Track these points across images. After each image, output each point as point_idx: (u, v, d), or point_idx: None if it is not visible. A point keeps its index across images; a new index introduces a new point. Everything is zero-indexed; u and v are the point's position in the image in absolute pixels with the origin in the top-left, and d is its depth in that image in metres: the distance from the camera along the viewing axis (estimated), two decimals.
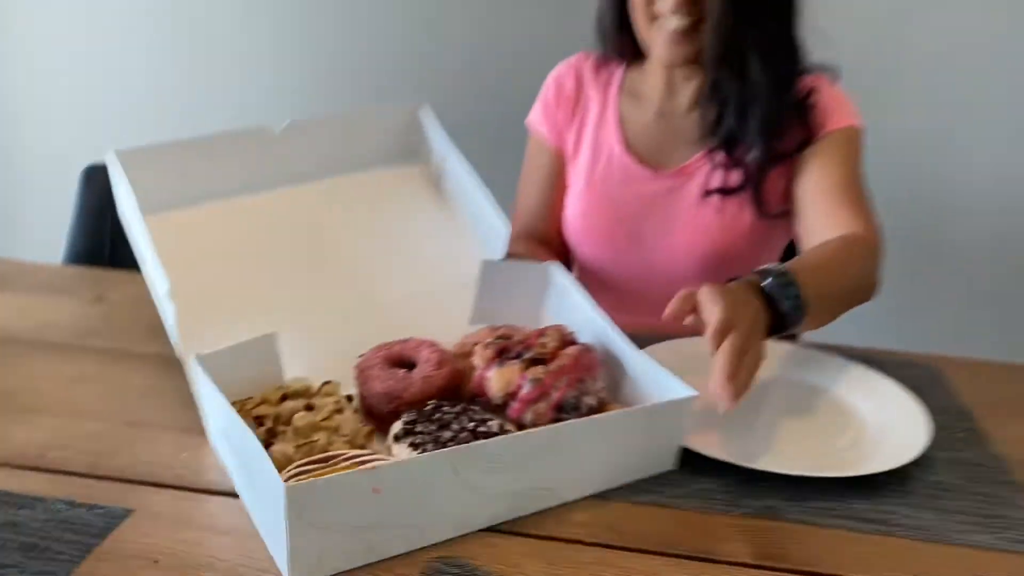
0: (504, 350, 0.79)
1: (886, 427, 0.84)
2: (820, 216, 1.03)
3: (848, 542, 0.70)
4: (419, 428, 0.71)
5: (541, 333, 0.82)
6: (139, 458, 0.76)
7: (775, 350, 0.87)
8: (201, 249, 0.86)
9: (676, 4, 1.01)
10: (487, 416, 0.74)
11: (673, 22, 1.02)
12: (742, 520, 0.72)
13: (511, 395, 0.77)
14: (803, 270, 0.84)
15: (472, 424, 0.72)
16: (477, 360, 0.80)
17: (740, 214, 1.09)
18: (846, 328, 0.99)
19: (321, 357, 0.81)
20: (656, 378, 0.79)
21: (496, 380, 0.77)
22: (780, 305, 0.80)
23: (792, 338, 0.87)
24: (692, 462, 0.78)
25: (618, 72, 1.18)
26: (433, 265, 0.97)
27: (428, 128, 1.02)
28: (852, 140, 1.07)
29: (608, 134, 1.16)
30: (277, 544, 0.61)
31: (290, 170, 0.96)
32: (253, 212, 0.92)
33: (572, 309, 0.90)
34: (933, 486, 0.78)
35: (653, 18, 1.05)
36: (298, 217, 0.94)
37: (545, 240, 1.21)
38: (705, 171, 1.11)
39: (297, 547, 0.60)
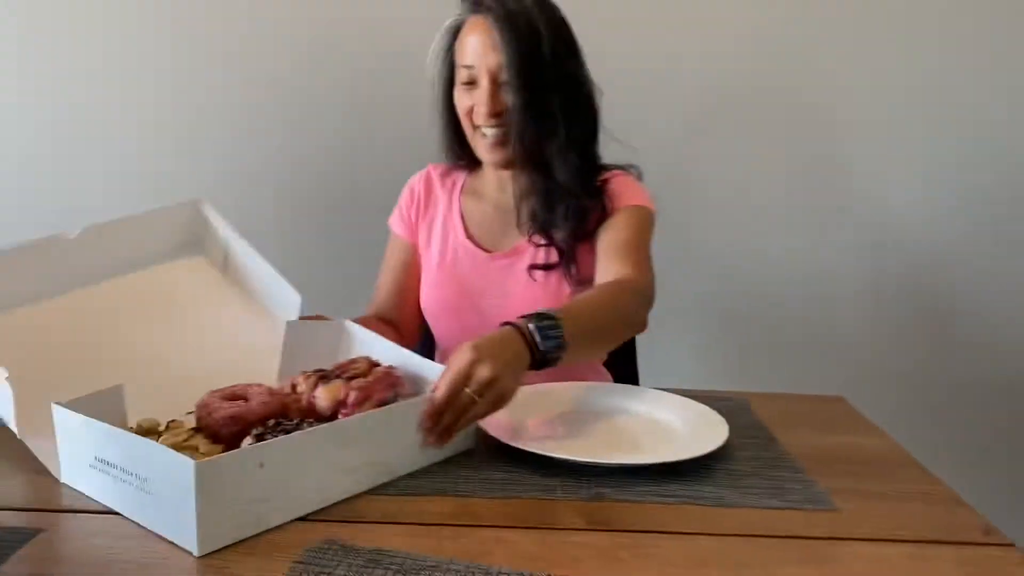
0: (324, 375, 0.95)
1: (695, 432, 1.02)
2: (603, 269, 1.23)
3: (663, 510, 0.85)
4: (268, 437, 0.83)
5: (352, 361, 0.99)
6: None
7: (616, 388, 1.13)
8: (15, 349, 0.94)
9: (487, 118, 1.23)
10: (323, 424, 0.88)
11: (488, 133, 1.25)
12: (577, 503, 0.86)
13: (340, 403, 0.92)
14: (568, 311, 1.01)
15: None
16: (301, 387, 0.95)
17: (560, 285, 1.29)
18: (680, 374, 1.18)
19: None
20: None
21: (324, 395, 0.93)
22: (540, 344, 0.95)
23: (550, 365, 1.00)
24: (534, 464, 0.93)
25: (461, 176, 1.41)
26: (234, 339, 1.10)
27: (211, 220, 1.18)
28: (640, 214, 1.28)
29: (453, 226, 1.37)
30: (183, 522, 0.72)
31: (88, 271, 1.06)
32: (57, 313, 1.03)
33: (371, 347, 1.07)
34: (733, 473, 0.95)
35: (475, 129, 1.27)
36: (98, 314, 1.05)
37: (394, 321, 1.38)
38: (530, 251, 1.31)
39: (205, 516, 0.71)
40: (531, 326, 0.95)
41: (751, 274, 1.99)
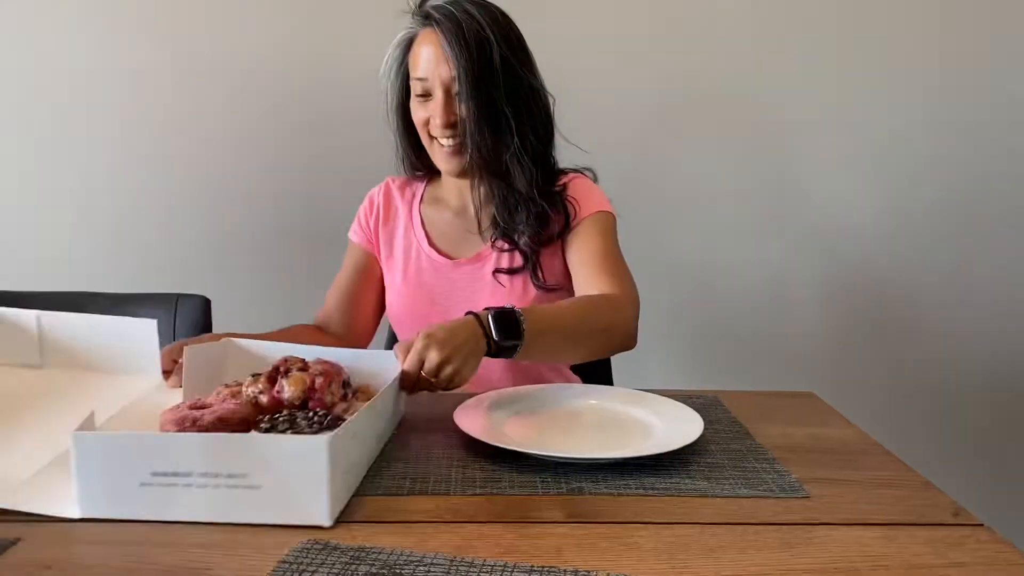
0: (271, 377, 0.97)
1: (671, 427, 1.03)
2: (582, 283, 1.27)
3: (641, 502, 0.86)
4: (281, 427, 0.88)
5: (283, 360, 1.00)
6: None
7: (591, 388, 1.16)
8: None
9: (441, 128, 1.26)
10: (318, 412, 0.93)
11: (444, 143, 1.28)
12: (557, 497, 0.87)
13: (309, 391, 0.96)
14: (532, 309, 1.10)
15: (315, 417, 0.91)
16: (251, 391, 0.96)
17: (526, 288, 1.31)
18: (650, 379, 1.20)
19: None
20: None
21: (291, 387, 0.95)
22: (494, 333, 1.04)
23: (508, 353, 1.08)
24: (513, 462, 0.94)
25: (420, 186, 1.44)
26: (109, 391, 1.06)
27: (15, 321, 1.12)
28: (604, 222, 1.32)
29: (415, 236, 1.39)
30: (311, 498, 0.78)
31: None
32: None
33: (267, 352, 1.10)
34: (709, 465, 0.97)
35: (431, 139, 1.30)
36: None
37: (335, 328, 1.40)
38: (494, 257, 1.34)
39: (334, 486, 0.78)
40: (490, 316, 1.04)
41: (715, 280, 2.02)
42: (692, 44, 1.91)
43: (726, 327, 2.04)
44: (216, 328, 1.43)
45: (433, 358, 0.99)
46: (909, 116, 1.98)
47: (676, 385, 1.64)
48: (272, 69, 1.89)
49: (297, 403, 0.95)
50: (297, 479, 0.78)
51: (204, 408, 0.93)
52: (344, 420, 0.88)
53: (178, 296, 1.44)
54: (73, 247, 1.92)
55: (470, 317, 1.05)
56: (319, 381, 0.96)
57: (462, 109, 1.24)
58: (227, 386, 1.00)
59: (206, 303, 1.47)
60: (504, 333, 1.05)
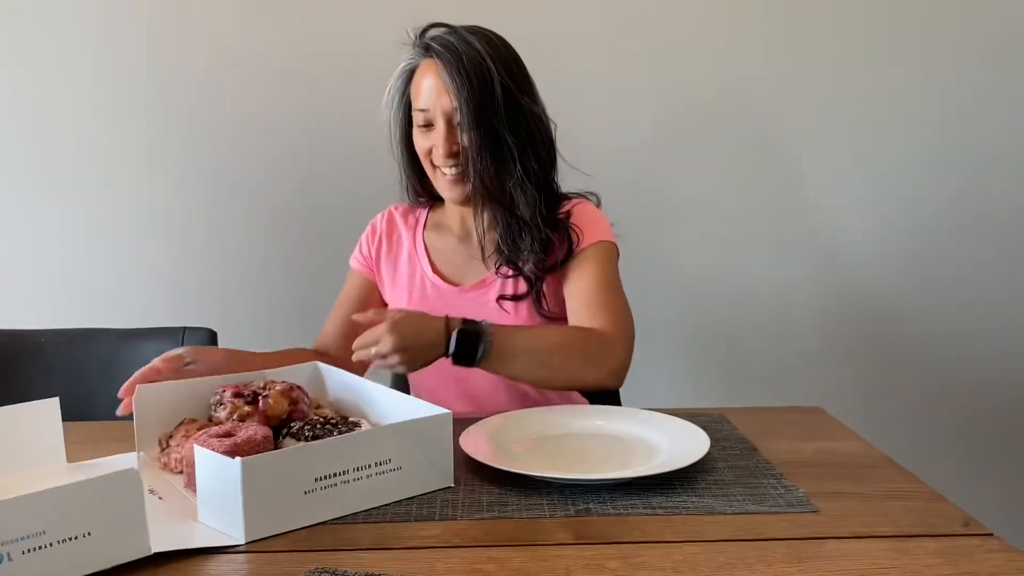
0: (251, 398, 1.03)
1: (677, 445, 1.03)
2: (574, 315, 1.27)
3: (648, 521, 0.86)
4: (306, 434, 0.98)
5: (261, 385, 1.06)
6: None
7: (594, 409, 1.18)
8: None
9: (444, 157, 1.26)
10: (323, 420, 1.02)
11: (447, 171, 1.28)
12: (564, 520, 0.87)
13: (294, 405, 1.03)
14: (504, 328, 1.15)
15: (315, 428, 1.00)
16: (224, 415, 1.02)
17: (531, 315, 1.31)
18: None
19: None
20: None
21: (276, 404, 1.02)
22: (451, 348, 1.11)
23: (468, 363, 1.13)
24: (519, 486, 0.94)
25: (423, 213, 1.44)
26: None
27: None
28: (605, 252, 1.31)
29: (419, 262, 1.40)
30: (443, 466, 0.96)
31: None
32: None
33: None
34: (715, 482, 0.96)
35: (434, 167, 1.30)
36: None
37: (340, 351, 1.36)
38: (498, 283, 1.33)
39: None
40: (456, 330, 1.11)
41: (721, 296, 2.02)
42: (694, 56, 1.92)
43: (733, 345, 2.04)
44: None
45: (384, 347, 1.08)
46: (914, 125, 1.98)
47: (684, 403, 1.64)
48: (287, 123, 1.91)
49: (284, 416, 1.02)
50: (429, 452, 0.94)
51: (228, 437, 0.94)
52: (357, 423, 1.01)
53: (184, 329, 1.45)
54: (79, 282, 1.94)
55: (439, 325, 1.12)
56: (306, 400, 1.05)
57: (464, 139, 1.25)
58: (192, 421, 1.05)
59: (212, 335, 1.48)
60: (461, 356, 1.12)
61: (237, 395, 1.03)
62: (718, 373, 2.07)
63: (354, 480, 0.89)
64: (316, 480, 0.86)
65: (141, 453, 1.05)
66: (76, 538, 0.74)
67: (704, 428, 1.08)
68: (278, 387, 1.04)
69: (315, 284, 1.87)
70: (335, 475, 0.87)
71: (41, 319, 1.71)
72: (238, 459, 0.80)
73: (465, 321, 1.12)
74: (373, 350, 1.08)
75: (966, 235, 2.03)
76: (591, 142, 1.64)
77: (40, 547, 0.72)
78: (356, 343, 1.11)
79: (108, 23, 1.86)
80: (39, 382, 1.41)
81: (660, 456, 1.02)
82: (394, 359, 1.08)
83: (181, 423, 1.05)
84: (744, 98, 1.96)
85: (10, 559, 0.70)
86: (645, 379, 1.79)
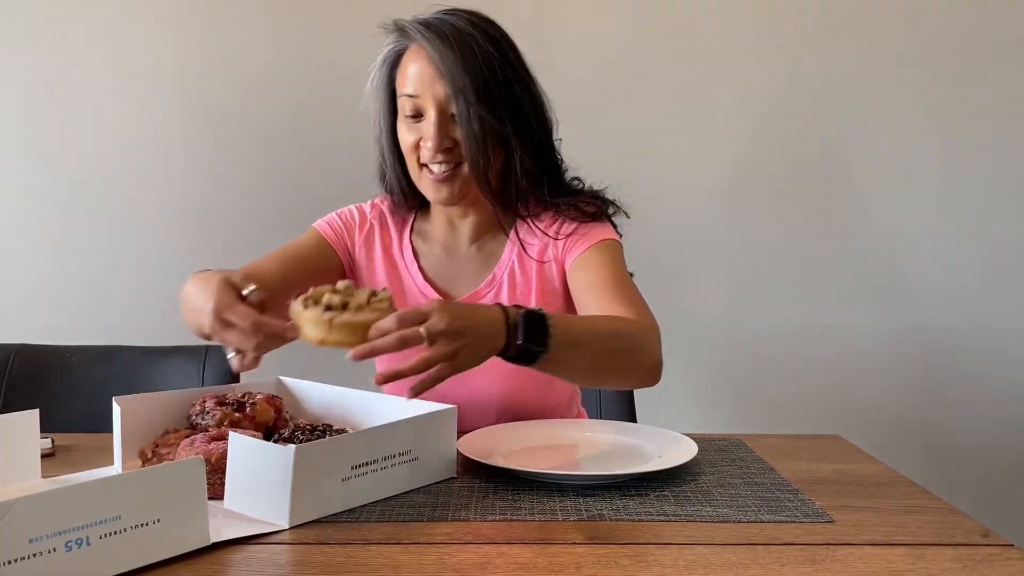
0: (223, 403, 1.05)
1: (674, 456, 1.04)
2: (593, 307, 1.14)
3: (661, 526, 0.86)
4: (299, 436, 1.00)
5: (244, 395, 1.08)
6: None
7: (588, 422, 1.18)
8: None
9: (434, 152, 1.15)
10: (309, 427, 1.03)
11: (435, 168, 1.17)
12: (577, 523, 0.86)
13: (277, 413, 1.07)
14: (563, 317, 0.98)
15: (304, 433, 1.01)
16: (210, 420, 1.03)
17: None
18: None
19: None
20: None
21: (263, 411, 1.05)
22: (518, 336, 0.92)
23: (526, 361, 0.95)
24: (532, 489, 0.94)
25: (410, 216, 1.32)
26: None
27: None
28: (611, 248, 1.22)
29: (406, 267, 1.29)
30: (448, 458, 1.01)
31: None
32: None
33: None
34: (731, 496, 0.95)
35: (421, 167, 1.19)
36: None
37: (276, 291, 1.11)
38: (491, 295, 1.26)
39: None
40: (519, 318, 0.93)
41: (747, 333, 2.02)
42: (760, 104, 1.98)
43: (752, 379, 2.04)
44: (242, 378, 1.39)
45: (439, 325, 0.86)
46: (930, 174, 2.00)
47: (703, 430, 1.60)
48: (293, 138, 1.96)
49: (270, 423, 1.05)
50: (436, 443, 0.98)
51: (224, 440, 0.94)
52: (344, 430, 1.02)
53: (207, 347, 1.46)
54: (103, 299, 1.97)
55: (498, 311, 0.93)
56: (278, 402, 1.09)
57: (458, 132, 1.15)
58: (176, 431, 1.04)
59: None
60: (528, 342, 0.93)
61: (221, 403, 1.05)
62: (738, 405, 2.06)
63: (381, 469, 0.92)
64: (352, 468, 0.89)
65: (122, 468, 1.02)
66: (147, 524, 0.75)
67: (720, 450, 1.08)
68: (259, 396, 1.07)
69: None
70: (367, 464, 0.91)
71: (67, 336, 1.73)
72: (291, 445, 0.84)
73: (516, 305, 0.96)
74: (422, 328, 0.86)
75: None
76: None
77: (116, 532, 0.73)
78: (391, 338, 0.86)
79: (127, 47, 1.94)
80: (63, 397, 1.43)
81: (663, 462, 1.02)
82: (447, 348, 0.87)
83: (164, 433, 1.04)
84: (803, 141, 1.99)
85: (88, 543, 0.71)
86: (666, 406, 1.79)
